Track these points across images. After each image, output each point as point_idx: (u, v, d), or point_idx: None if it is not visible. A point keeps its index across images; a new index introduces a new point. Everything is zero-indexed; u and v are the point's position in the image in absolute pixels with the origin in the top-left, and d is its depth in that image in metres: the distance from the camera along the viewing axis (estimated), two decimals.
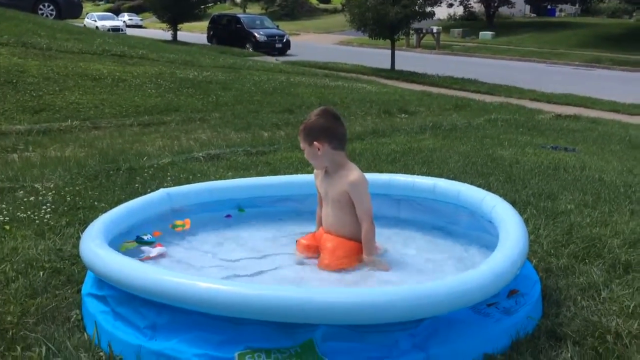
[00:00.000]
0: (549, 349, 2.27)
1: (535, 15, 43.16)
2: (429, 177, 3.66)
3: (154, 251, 2.95)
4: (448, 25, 37.14)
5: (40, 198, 4.20)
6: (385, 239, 3.14)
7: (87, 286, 2.59)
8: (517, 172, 5.21)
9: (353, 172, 2.83)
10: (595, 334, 2.36)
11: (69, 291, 2.77)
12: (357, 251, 2.85)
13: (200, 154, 5.87)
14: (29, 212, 3.87)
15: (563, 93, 14.38)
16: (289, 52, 27.28)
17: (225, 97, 11.01)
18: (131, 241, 3.00)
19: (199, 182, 4.15)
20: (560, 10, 43.78)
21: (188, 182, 4.58)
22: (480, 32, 33.35)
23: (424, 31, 29.13)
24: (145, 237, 3.05)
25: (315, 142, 2.81)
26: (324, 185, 2.96)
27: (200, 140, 7.14)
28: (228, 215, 3.56)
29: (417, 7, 19.27)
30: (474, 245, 3.11)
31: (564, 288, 2.81)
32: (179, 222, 3.32)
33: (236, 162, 5.69)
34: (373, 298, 2.03)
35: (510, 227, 2.66)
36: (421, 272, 2.78)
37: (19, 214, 3.85)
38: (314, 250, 2.96)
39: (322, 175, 2.97)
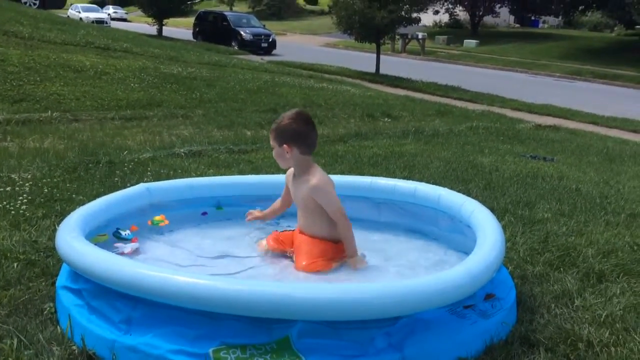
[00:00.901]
0: (522, 354, 2.30)
1: (519, 25, 43.69)
2: (410, 181, 3.68)
3: (127, 247, 2.92)
4: (433, 32, 37.40)
5: (17, 189, 4.14)
6: (365, 241, 3.15)
7: (62, 279, 2.55)
8: (496, 180, 5.27)
9: (315, 177, 2.85)
10: (568, 341, 2.39)
11: (43, 284, 2.74)
12: (332, 251, 2.87)
13: (182, 150, 5.83)
14: (4, 203, 3.81)
15: (544, 103, 14.58)
16: (274, 51, 27.23)
17: (209, 94, 10.95)
18: (104, 234, 2.96)
19: (179, 178, 4.13)
20: (544, 22, 44.37)
21: (168, 177, 4.55)
22: (465, 40, 33.65)
23: (409, 37, 29.30)
24: (123, 233, 3.02)
25: (285, 145, 2.84)
26: (293, 187, 3.00)
27: (182, 137, 7.09)
28: (204, 213, 3.54)
29: (403, 13, 19.38)
30: (453, 249, 3.14)
31: (539, 295, 2.85)
32: (157, 218, 3.29)
33: (218, 159, 5.66)
34: (349, 294, 2.04)
35: (487, 231, 2.70)
36: (400, 274, 2.80)
37: None
38: (281, 244, 3.03)
39: (292, 176, 3.01)
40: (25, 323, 2.37)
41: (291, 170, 3.04)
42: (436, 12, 38.40)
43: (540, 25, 43.98)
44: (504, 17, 41.98)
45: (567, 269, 3.19)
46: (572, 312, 2.67)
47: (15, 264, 2.89)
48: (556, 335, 2.44)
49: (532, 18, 43.52)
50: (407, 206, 3.47)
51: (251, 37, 27.40)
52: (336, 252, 2.88)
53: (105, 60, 12.36)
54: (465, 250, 2.97)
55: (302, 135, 2.84)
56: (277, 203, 3.25)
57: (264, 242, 3.11)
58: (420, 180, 4.39)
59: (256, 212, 3.27)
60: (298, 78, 15.34)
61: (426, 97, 15.00)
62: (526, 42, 32.47)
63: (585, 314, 2.66)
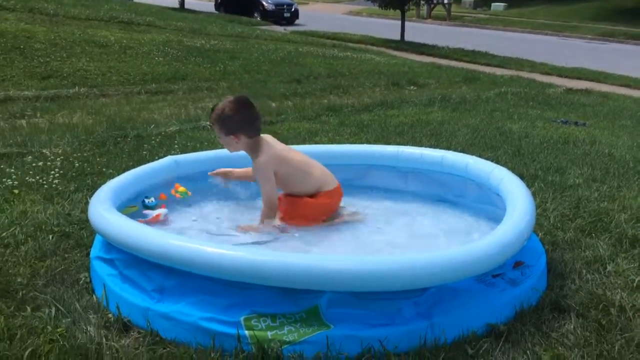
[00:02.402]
0: (552, 320, 2.29)
1: None
2: (437, 150, 3.64)
3: (156, 212, 2.96)
4: None
5: (49, 164, 4.22)
6: (391, 211, 3.15)
7: (96, 250, 2.62)
8: (526, 146, 5.18)
9: (258, 159, 2.90)
10: (599, 306, 2.37)
11: (78, 254, 2.81)
12: (313, 209, 3.00)
13: (208, 123, 5.85)
14: (37, 177, 3.89)
15: (575, 67, 14.17)
16: (297, 21, 26.91)
17: (233, 66, 10.93)
18: (134, 206, 3.01)
19: (205, 150, 4.15)
20: None
21: (195, 150, 4.58)
22: (492, 4, 32.75)
23: (434, 2, 28.63)
24: (147, 201, 3.06)
25: (231, 136, 2.88)
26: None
27: (207, 109, 7.07)
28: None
29: None
30: (482, 217, 3.11)
31: (570, 261, 2.81)
32: (182, 189, 3.29)
33: None
34: (379, 266, 2.05)
35: (517, 199, 2.66)
36: (427, 244, 2.79)
37: (27, 178, 3.88)
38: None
39: None
40: (62, 292, 2.44)
41: None
42: None
43: None
44: None
45: (599, 234, 3.14)
46: (604, 278, 2.63)
47: (51, 236, 2.97)
48: (587, 300, 2.42)
49: None
50: (435, 175, 3.44)
51: (273, 7, 27.10)
52: (319, 209, 3.01)
53: (130, 35, 12.40)
54: (494, 218, 2.94)
55: (247, 122, 2.89)
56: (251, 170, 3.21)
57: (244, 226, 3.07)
58: (448, 148, 4.36)
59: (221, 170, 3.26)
60: (321, 48, 15.18)
61: (453, 63, 14.72)
62: (556, 4, 31.46)
63: (618, 279, 2.62)
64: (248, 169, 3.20)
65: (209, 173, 3.26)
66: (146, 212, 3.00)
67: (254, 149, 2.94)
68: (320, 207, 3.04)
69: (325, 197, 3.04)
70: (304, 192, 3.02)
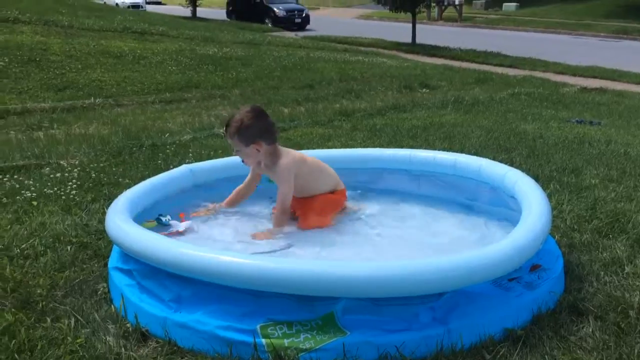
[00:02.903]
0: (571, 323, 2.27)
1: None
2: (450, 152, 3.63)
3: (182, 225, 2.99)
4: None
5: (66, 174, 4.28)
6: (405, 215, 3.15)
7: (114, 260, 2.65)
8: (540, 147, 5.14)
9: (280, 161, 2.96)
10: (618, 309, 2.34)
11: (96, 265, 2.84)
12: (328, 203, 3.12)
13: (221, 130, 5.89)
14: (55, 189, 3.95)
15: (589, 65, 14.06)
16: (308, 27, 27.03)
17: (245, 73, 11.01)
18: (152, 221, 3.03)
19: (220, 158, 4.18)
20: None
21: (209, 158, 4.61)
22: (504, 4, 32.59)
23: (445, 3, 28.59)
24: (164, 219, 3.05)
25: (252, 145, 2.91)
26: (270, 176, 3.14)
27: (221, 117, 7.17)
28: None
29: None
30: (496, 220, 3.09)
31: (587, 263, 2.79)
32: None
33: None
34: (393, 271, 2.05)
35: (532, 201, 2.64)
36: (441, 249, 2.78)
37: (45, 190, 3.93)
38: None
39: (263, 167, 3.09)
40: (81, 303, 2.48)
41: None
42: None
43: None
44: None
45: (616, 235, 3.11)
46: (623, 280, 2.61)
47: (69, 247, 3.01)
48: (606, 303, 2.39)
49: None
50: (448, 178, 3.43)
51: (284, 14, 27.25)
52: (332, 203, 3.13)
53: (143, 45, 12.55)
54: (509, 221, 2.93)
55: (265, 128, 2.93)
56: (241, 187, 3.28)
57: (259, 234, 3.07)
58: (461, 151, 4.35)
59: (208, 208, 3.25)
60: (333, 52, 15.23)
61: (465, 65, 14.68)
62: (569, 2, 31.21)
63: (637, 280, 2.59)
64: (238, 191, 3.26)
65: (191, 214, 3.20)
66: (173, 222, 3.01)
67: (274, 155, 2.99)
68: (338, 203, 3.21)
69: (341, 195, 3.22)
70: (323, 190, 3.15)
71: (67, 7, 16.30)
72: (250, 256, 2.28)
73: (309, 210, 3.07)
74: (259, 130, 2.90)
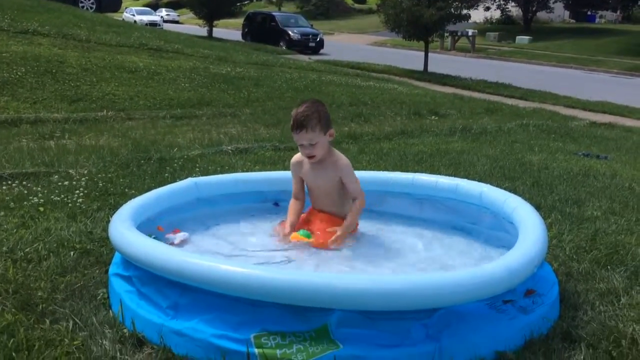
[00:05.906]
0: (563, 350, 2.28)
1: (574, 21, 42.31)
2: (452, 177, 3.67)
3: (177, 237, 3.03)
4: (484, 28, 36.69)
5: (74, 183, 4.35)
6: (404, 237, 3.18)
7: (114, 267, 2.69)
8: (545, 178, 5.17)
9: (342, 158, 3.02)
10: (611, 338, 2.35)
11: (97, 271, 2.89)
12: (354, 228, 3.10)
13: (229, 148, 5.98)
14: (62, 196, 4.02)
15: (599, 101, 14.10)
16: (322, 51, 27.35)
17: (257, 93, 11.13)
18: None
19: (226, 173, 4.24)
20: (601, 17, 42.77)
21: (216, 173, 4.68)
22: (517, 37, 32.86)
23: (459, 34, 28.86)
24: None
25: (330, 130, 2.96)
26: (312, 173, 3.07)
27: (230, 135, 7.25)
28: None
29: (452, 10, 19.11)
30: (494, 244, 3.11)
31: (583, 292, 2.80)
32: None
33: (264, 156, 5.77)
34: (387, 285, 2.07)
35: (530, 226, 2.67)
36: (436, 269, 2.81)
37: (53, 197, 4.00)
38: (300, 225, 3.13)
39: (309, 165, 3.06)
40: (80, 307, 2.52)
41: (296, 160, 3.12)
42: (487, 9, 37.69)
43: (597, 20, 42.41)
44: (558, 13, 40.79)
45: (614, 267, 3.12)
46: (617, 310, 2.61)
47: (72, 253, 3.06)
48: (599, 331, 2.40)
49: (588, 13, 42.04)
50: (450, 203, 3.47)
51: (299, 37, 27.62)
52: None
53: (158, 61, 12.75)
54: (507, 246, 2.95)
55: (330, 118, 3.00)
56: (297, 204, 3.17)
57: (277, 227, 3.18)
58: (466, 178, 4.37)
59: (287, 231, 3.09)
60: (345, 77, 15.38)
61: (475, 94, 14.76)
62: (582, 38, 31.44)
63: (631, 311, 2.60)
64: (295, 208, 3.15)
65: (283, 235, 3.07)
66: (168, 236, 3.06)
67: (330, 149, 3.03)
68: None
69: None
70: (347, 212, 3.06)
71: (86, 21, 16.61)
72: (252, 265, 2.31)
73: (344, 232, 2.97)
74: (329, 117, 2.98)
